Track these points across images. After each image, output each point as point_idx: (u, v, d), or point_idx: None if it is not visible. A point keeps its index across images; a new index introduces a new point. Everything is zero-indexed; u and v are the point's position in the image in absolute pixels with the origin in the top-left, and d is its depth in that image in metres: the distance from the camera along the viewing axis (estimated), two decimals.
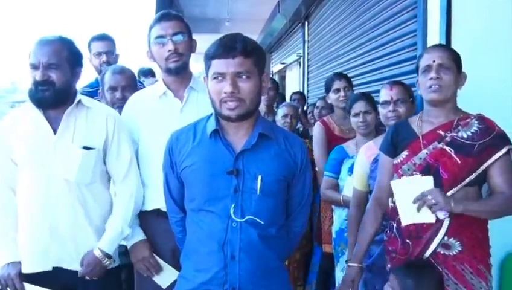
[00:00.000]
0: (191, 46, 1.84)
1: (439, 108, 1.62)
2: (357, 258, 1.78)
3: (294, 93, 4.69)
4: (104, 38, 2.72)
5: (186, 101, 1.81)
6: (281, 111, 3.13)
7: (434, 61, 1.58)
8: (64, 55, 1.65)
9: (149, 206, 1.80)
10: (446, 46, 1.67)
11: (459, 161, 1.55)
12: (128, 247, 1.80)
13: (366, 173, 2.02)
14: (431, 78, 1.57)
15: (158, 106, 1.81)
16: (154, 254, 1.78)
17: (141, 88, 2.37)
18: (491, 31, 2.04)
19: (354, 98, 2.37)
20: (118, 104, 2.09)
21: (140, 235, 1.80)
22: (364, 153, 2.05)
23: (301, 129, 3.83)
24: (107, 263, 1.69)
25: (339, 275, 2.34)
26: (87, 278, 1.67)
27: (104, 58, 2.66)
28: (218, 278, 1.38)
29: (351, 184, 2.30)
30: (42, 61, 1.61)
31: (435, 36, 2.36)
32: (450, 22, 2.26)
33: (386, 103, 2.01)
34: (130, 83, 2.20)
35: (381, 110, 2.04)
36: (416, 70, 1.67)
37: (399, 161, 1.65)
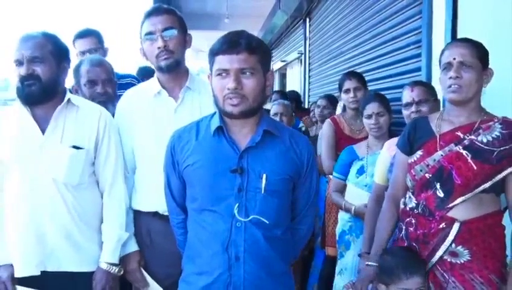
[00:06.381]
0: (185, 41, 1.77)
1: (460, 107, 1.54)
2: (377, 259, 1.70)
3: (290, 92, 4.68)
4: (85, 35, 2.58)
5: (182, 101, 1.76)
6: (272, 110, 3.09)
7: (455, 59, 1.49)
8: (48, 49, 1.63)
9: (143, 208, 1.77)
10: (470, 41, 1.54)
11: (474, 167, 1.47)
12: (120, 256, 1.78)
13: (386, 167, 1.97)
14: (450, 78, 1.49)
15: (152, 105, 1.77)
16: (142, 269, 1.77)
17: (121, 83, 2.29)
18: (499, 28, 1.99)
19: (367, 99, 2.32)
20: (99, 100, 1.98)
21: (132, 247, 1.77)
22: (387, 148, 2.00)
23: (303, 128, 3.79)
24: (116, 271, 1.70)
25: (336, 278, 2.32)
26: None
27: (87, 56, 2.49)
28: (222, 280, 1.36)
29: (351, 189, 2.31)
30: (25, 55, 1.59)
31: (440, 33, 2.35)
32: (456, 18, 2.24)
33: (408, 104, 1.97)
34: (111, 76, 2.08)
35: (404, 112, 1.99)
36: (439, 66, 1.59)
37: (413, 160, 1.59)
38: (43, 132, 1.63)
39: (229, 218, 1.36)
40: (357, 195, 2.25)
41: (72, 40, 2.60)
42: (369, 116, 2.25)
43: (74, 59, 2.53)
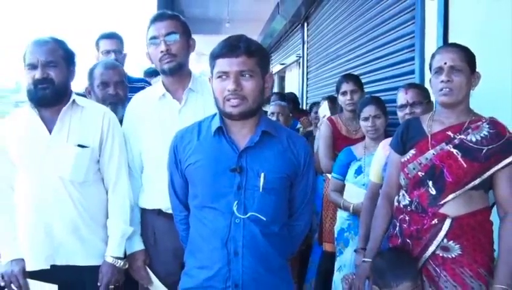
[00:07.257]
0: (188, 45, 1.82)
1: (450, 110, 1.59)
2: (372, 255, 1.74)
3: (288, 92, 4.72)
4: (112, 36, 2.70)
5: (185, 103, 1.81)
6: (269, 110, 3.13)
7: (445, 63, 1.54)
8: (59, 54, 1.70)
9: (148, 206, 1.82)
10: (459, 46, 1.58)
11: (464, 165, 1.52)
12: (126, 253, 1.82)
13: (381, 166, 2.02)
14: (442, 81, 1.54)
15: (157, 107, 1.82)
16: (147, 267, 1.81)
17: (135, 86, 2.35)
18: (488, 33, 2.04)
19: (364, 102, 2.37)
20: (111, 101, 2.05)
21: (138, 246, 1.82)
22: (382, 147, 2.05)
23: (301, 129, 3.85)
24: (121, 264, 1.75)
25: (335, 274, 2.37)
26: (111, 287, 1.72)
27: (112, 56, 2.60)
28: (222, 274, 1.40)
29: (350, 188, 2.35)
30: (40, 59, 1.65)
31: (432, 38, 2.39)
32: (447, 24, 2.28)
33: (402, 106, 2.04)
34: (123, 79, 2.16)
35: (399, 113, 2.06)
36: (430, 69, 1.64)
37: (406, 159, 1.64)
38: (50, 131, 1.69)
39: (228, 215, 1.39)
40: (355, 194, 2.28)
41: (96, 39, 2.71)
42: (366, 119, 2.30)
43: (93, 59, 2.60)
